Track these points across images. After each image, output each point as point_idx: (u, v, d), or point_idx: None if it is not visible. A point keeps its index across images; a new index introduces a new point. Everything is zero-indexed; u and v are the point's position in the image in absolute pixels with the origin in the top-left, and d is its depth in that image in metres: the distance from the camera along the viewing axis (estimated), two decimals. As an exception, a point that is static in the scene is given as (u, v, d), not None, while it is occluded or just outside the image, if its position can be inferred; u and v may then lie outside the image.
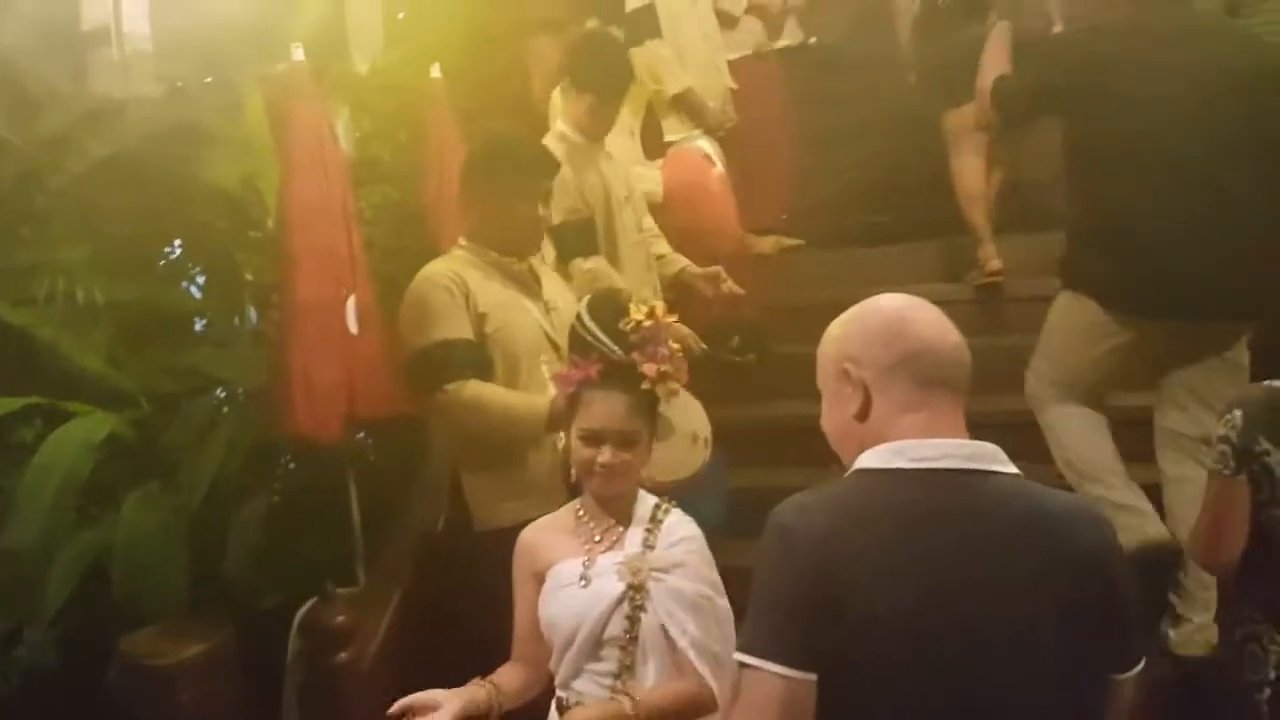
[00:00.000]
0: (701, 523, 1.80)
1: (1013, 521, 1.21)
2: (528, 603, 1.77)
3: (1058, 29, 3.74)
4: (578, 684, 1.69)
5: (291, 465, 2.91)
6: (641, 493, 1.79)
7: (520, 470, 2.27)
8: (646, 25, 3.45)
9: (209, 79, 2.72)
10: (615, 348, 1.90)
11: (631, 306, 1.90)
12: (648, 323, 1.83)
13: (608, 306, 2.07)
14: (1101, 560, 1.22)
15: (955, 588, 1.17)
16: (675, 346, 1.86)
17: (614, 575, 1.67)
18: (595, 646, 1.66)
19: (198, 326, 2.89)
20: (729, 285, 2.85)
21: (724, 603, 1.72)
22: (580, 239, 2.70)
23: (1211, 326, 2.40)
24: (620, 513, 1.76)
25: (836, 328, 1.34)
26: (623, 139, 3.17)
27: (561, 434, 1.89)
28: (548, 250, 2.63)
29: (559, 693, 1.74)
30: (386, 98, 3.04)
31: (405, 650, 2.54)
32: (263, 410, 2.58)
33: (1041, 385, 2.63)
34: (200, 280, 2.88)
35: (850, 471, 1.27)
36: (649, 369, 1.77)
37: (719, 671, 1.64)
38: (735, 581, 1.70)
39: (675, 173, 3.45)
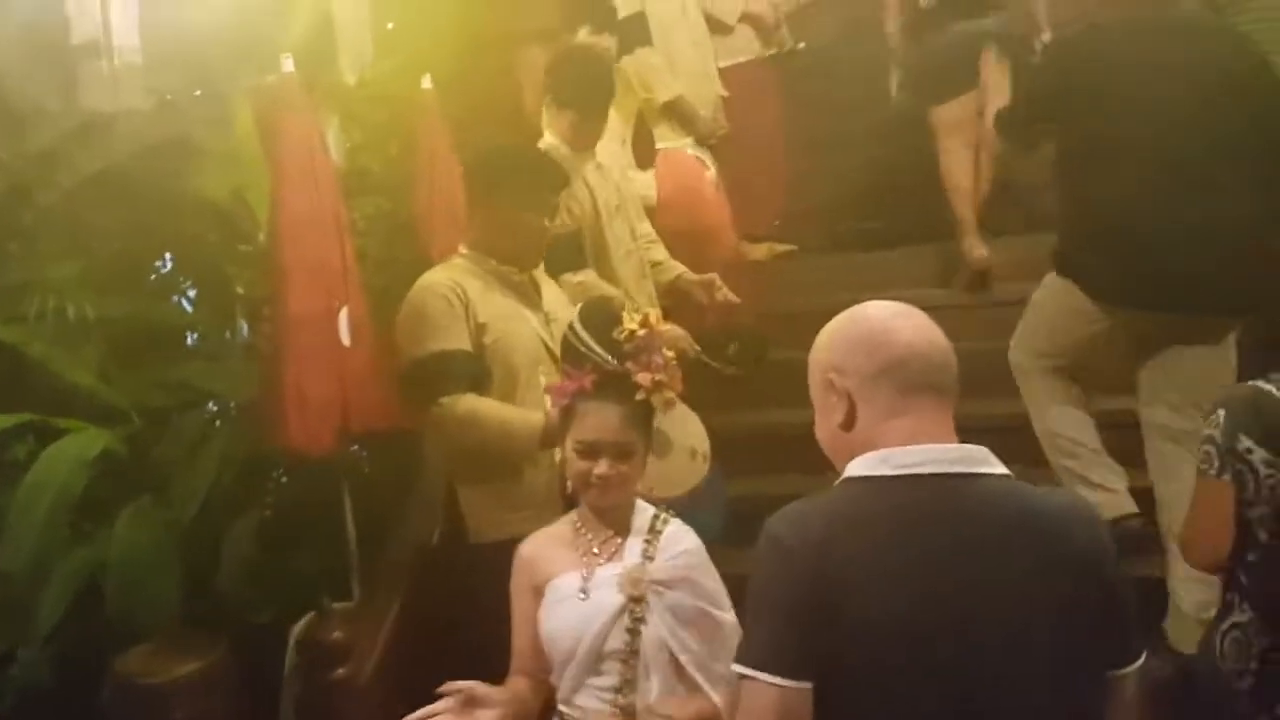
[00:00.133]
0: (700, 535, 1.79)
1: (1005, 523, 1.22)
2: (526, 616, 1.76)
3: (1045, 36, 3.77)
4: (579, 699, 1.68)
5: (284, 479, 2.89)
6: (639, 503, 1.78)
7: (516, 482, 2.26)
8: (637, 33, 3.45)
9: (198, 92, 2.70)
10: (609, 357, 1.89)
11: (625, 315, 1.90)
12: (641, 331, 1.83)
13: (600, 315, 2.07)
14: (1096, 558, 1.23)
15: (948, 590, 1.18)
16: (670, 354, 1.85)
17: (613, 587, 1.66)
18: (596, 660, 1.65)
19: (189, 341, 2.87)
20: (724, 293, 2.84)
21: (728, 616, 1.71)
22: (567, 253, 2.68)
23: (1200, 319, 2.43)
24: (618, 524, 1.75)
25: (823, 337, 1.35)
26: (613, 146, 3.16)
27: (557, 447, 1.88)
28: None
29: (560, 708, 1.72)
30: (377, 108, 3.03)
31: (402, 664, 2.53)
32: (255, 424, 2.56)
33: (1028, 356, 2.69)
34: (191, 294, 2.87)
35: (839, 480, 1.29)
36: (643, 378, 1.76)
37: (721, 687, 1.63)
38: (731, 590, 1.70)
39: (668, 176, 3.45)
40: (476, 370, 2.22)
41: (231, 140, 2.58)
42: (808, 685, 1.16)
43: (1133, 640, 1.26)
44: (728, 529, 2.39)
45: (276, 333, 2.54)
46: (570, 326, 2.10)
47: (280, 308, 2.50)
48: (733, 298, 2.84)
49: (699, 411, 2.31)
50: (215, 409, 2.80)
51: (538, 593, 1.73)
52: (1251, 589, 1.84)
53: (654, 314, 1.89)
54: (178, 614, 2.51)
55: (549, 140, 2.79)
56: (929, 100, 3.81)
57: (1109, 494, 2.55)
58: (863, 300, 1.37)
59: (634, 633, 1.64)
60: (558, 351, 2.26)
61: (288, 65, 2.51)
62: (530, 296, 2.38)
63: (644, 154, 3.55)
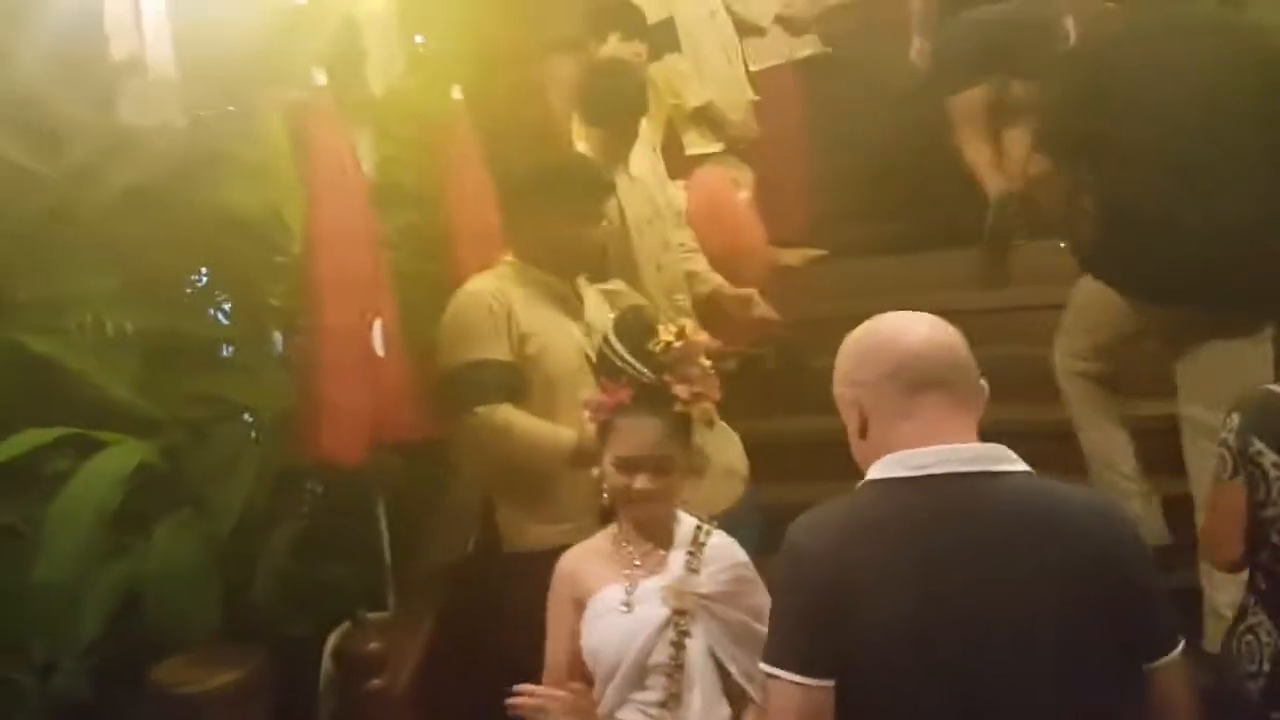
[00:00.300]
0: None
1: (1016, 521, 1.23)
2: (565, 631, 1.75)
3: (1070, 24, 3.75)
4: (623, 714, 1.66)
5: (319, 490, 2.90)
6: (680, 513, 1.77)
7: (550, 495, 2.26)
8: (665, 40, 3.45)
9: (231, 107, 2.72)
10: (645, 370, 1.88)
11: (660, 326, 1.89)
12: (678, 343, 1.81)
13: (635, 326, 2.05)
14: (1114, 552, 1.23)
15: (953, 590, 1.20)
16: (707, 363, 1.84)
17: (657, 600, 1.65)
18: (640, 674, 1.64)
19: (225, 353, 2.89)
20: (763, 309, 2.81)
21: (763, 628, 1.70)
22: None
23: (1228, 312, 2.46)
24: (660, 536, 1.74)
25: (840, 351, 1.41)
26: (644, 152, 3.16)
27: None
28: None
29: None
30: (407, 122, 3.04)
31: (438, 675, 2.53)
32: (290, 436, 2.58)
33: (1068, 359, 2.73)
34: (226, 307, 2.89)
35: (860, 484, 1.33)
36: (681, 390, 1.75)
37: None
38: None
39: (699, 198, 3.43)
40: (514, 381, 2.22)
41: (264, 155, 2.60)
42: (829, 683, 1.20)
43: (1163, 631, 1.26)
44: (761, 535, 2.38)
45: (310, 345, 2.56)
46: (605, 339, 2.09)
47: (314, 320, 2.52)
48: (771, 314, 2.82)
49: (729, 418, 2.30)
50: (251, 421, 2.81)
51: (578, 606, 1.72)
52: (1265, 591, 1.85)
53: (689, 324, 1.88)
54: (216, 626, 2.52)
55: (580, 150, 2.79)
56: (949, 87, 3.80)
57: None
58: (891, 304, 1.41)
59: (679, 646, 1.62)
60: None
61: (319, 79, 2.53)
62: (573, 307, 2.37)
63: (673, 161, 3.54)
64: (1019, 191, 3.60)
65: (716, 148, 3.64)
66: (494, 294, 2.27)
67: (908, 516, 1.24)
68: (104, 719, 2.50)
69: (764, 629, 1.69)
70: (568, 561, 1.79)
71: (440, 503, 2.87)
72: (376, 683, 2.45)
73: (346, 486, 2.74)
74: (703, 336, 1.86)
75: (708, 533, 1.74)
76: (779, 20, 4.12)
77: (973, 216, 3.84)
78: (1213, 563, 2.05)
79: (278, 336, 2.92)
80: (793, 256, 4.10)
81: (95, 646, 2.42)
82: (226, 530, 2.57)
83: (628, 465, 1.68)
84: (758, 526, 2.52)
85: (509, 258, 2.38)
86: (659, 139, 3.47)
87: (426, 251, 3.00)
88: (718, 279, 2.95)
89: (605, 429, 1.75)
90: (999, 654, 1.18)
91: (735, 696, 1.64)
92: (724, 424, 2.08)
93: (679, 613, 1.63)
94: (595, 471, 1.83)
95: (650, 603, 1.65)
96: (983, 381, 1.36)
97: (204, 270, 2.83)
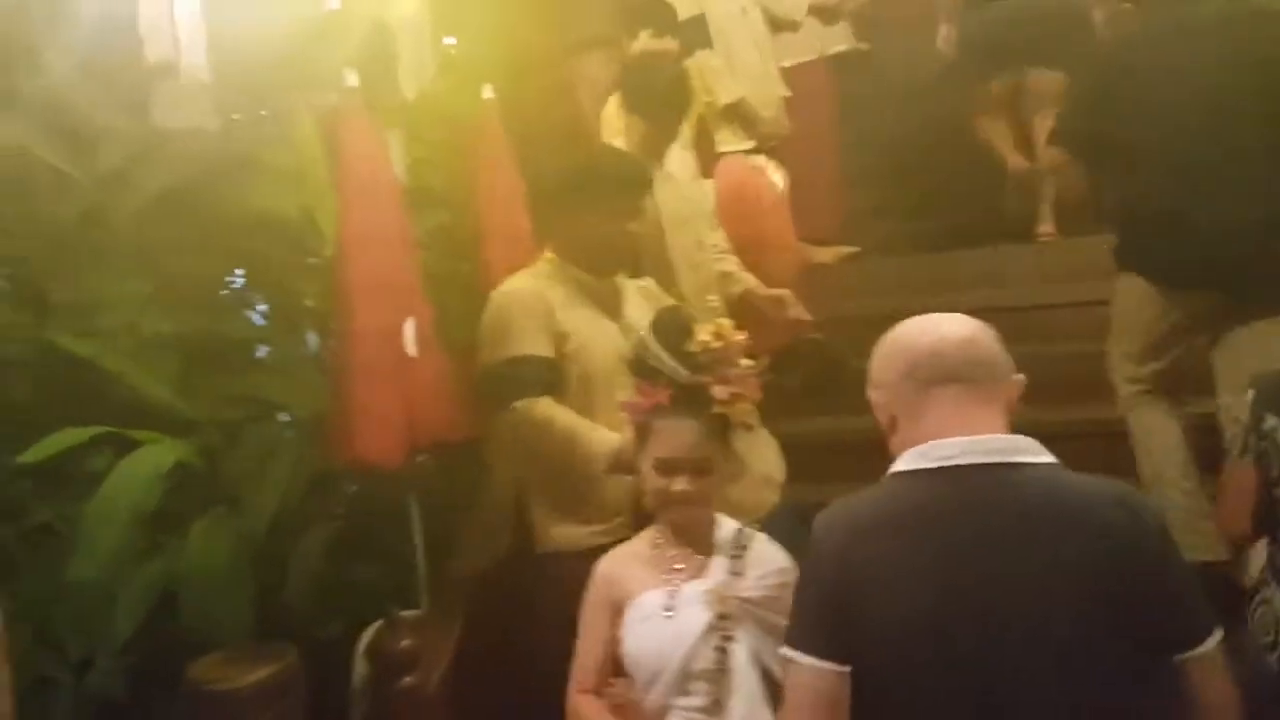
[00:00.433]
0: None
1: (1033, 513, 1.22)
2: (601, 635, 1.73)
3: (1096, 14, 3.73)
4: None
5: (353, 489, 2.91)
6: (719, 517, 1.75)
7: (584, 495, 2.24)
8: (697, 36, 3.43)
9: (264, 110, 2.74)
10: (683, 370, 1.86)
11: (696, 327, 1.87)
12: (716, 344, 1.80)
13: (672, 327, 2.03)
14: (1136, 545, 1.22)
15: (969, 583, 1.20)
16: (745, 363, 1.82)
17: (700, 605, 1.63)
18: (684, 680, 1.61)
19: (260, 353, 2.91)
20: (797, 310, 2.78)
21: None
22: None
23: (1257, 296, 2.45)
24: (700, 540, 1.72)
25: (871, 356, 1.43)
26: (678, 150, 3.14)
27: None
28: None
29: None
30: (438, 124, 3.04)
31: (470, 673, 2.53)
32: (324, 436, 2.59)
33: (1121, 363, 2.69)
34: (262, 308, 2.90)
35: (886, 475, 1.34)
36: (719, 392, 1.74)
37: None
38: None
39: (725, 185, 3.42)
40: (554, 376, 2.21)
41: (297, 158, 2.61)
42: (845, 668, 1.21)
43: (1191, 623, 1.24)
44: (795, 532, 2.35)
45: (344, 346, 2.56)
46: (641, 341, 2.07)
47: (348, 321, 2.52)
48: (804, 315, 2.78)
49: (764, 419, 2.27)
50: (286, 421, 2.82)
51: (617, 611, 1.71)
52: (1277, 565, 1.82)
53: (727, 324, 1.86)
54: (251, 625, 2.54)
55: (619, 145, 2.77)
56: (974, 76, 3.79)
57: (1195, 536, 2.43)
58: (924, 302, 1.48)
59: (723, 651, 1.60)
60: None
61: (351, 82, 2.53)
62: (611, 306, 2.35)
63: (704, 159, 3.51)
64: (1040, 170, 3.61)
65: (748, 145, 3.61)
66: (533, 291, 2.26)
67: (927, 508, 1.25)
68: (139, 716, 2.52)
69: None
70: (606, 565, 1.77)
71: (474, 503, 2.87)
72: (409, 680, 2.46)
73: (380, 487, 2.75)
74: (740, 336, 1.84)
75: (749, 536, 1.72)
76: (813, 10, 4.09)
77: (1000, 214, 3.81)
78: (1227, 538, 2.08)
79: (312, 337, 2.93)
80: (826, 254, 4.06)
81: (130, 644, 2.44)
82: (261, 530, 2.58)
83: (666, 467, 1.67)
84: (788, 536, 2.50)
85: (548, 254, 2.37)
86: (691, 136, 3.45)
87: (458, 253, 3.00)
88: (751, 279, 2.91)
89: (643, 431, 1.74)
90: (1014, 648, 1.18)
91: (779, 702, 1.62)
92: (765, 432, 2.05)
93: (722, 617, 1.61)
94: (629, 478, 1.81)
95: (693, 607, 1.63)
96: (1018, 376, 1.36)
97: (239, 272, 2.85)
